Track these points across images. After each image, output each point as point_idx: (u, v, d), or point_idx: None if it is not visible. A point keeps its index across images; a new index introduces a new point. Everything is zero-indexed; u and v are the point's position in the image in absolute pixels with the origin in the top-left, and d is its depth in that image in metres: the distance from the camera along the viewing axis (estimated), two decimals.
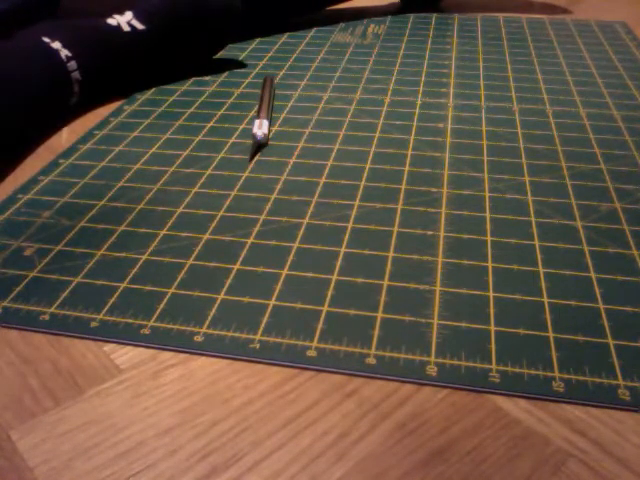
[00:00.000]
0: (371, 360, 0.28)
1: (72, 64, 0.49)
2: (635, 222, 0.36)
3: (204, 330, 0.29)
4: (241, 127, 0.48)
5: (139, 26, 0.52)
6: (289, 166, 0.43)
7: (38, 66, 0.46)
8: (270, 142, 0.46)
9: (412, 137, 0.46)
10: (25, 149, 0.47)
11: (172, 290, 0.32)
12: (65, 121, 0.51)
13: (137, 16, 0.54)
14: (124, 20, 0.53)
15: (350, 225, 0.36)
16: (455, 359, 0.27)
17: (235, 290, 0.32)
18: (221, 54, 0.63)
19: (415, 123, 0.48)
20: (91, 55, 0.50)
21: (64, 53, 0.48)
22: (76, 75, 0.49)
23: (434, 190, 0.40)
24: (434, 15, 0.75)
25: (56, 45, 0.48)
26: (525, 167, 0.42)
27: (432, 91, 0.54)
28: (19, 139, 0.47)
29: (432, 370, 0.27)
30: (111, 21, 0.53)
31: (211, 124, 0.49)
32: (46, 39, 0.49)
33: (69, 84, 0.49)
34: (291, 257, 0.34)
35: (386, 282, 0.32)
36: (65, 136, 0.48)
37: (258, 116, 0.47)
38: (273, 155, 0.44)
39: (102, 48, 0.51)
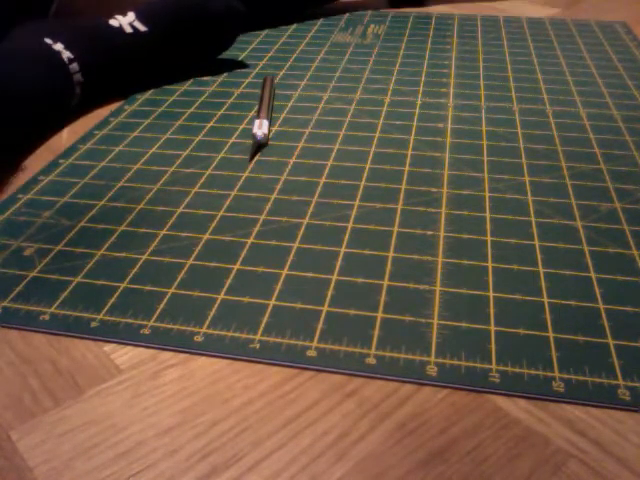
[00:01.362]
0: (371, 360, 0.28)
1: (74, 66, 0.49)
2: (635, 222, 0.36)
3: (204, 330, 0.29)
4: (241, 127, 0.48)
5: (141, 28, 0.52)
6: (289, 166, 0.43)
7: (40, 68, 0.47)
8: (270, 142, 0.46)
9: (412, 137, 0.46)
10: (25, 149, 0.47)
11: (172, 290, 0.32)
12: (65, 121, 0.51)
13: (139, 17, 0.54)
14: (126, 21, 0.53)
15: (350, 225, 0.36)
16: (455, 359, 0.27)
17: (235, 290, 0.32)
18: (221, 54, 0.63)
19: (415, 123, 0.48)
20: (93, 57, 0.50)
21: (66, 55, 0.48)
22: (78, 77, 0.49)
23: (434, 190, 0.40)
24: (434, 15, 0.75)
25: (58, 47, 0.48)
26: (525, 167, 0.42)
27: (432, 91, 0.54)
28: (20, 140, 0.47)
29: (432, 370, 0.27)
30: (113, 22, 0.53)
31: (211, 124, 0.49)
32: (48, 41, 0.49)
33: (71, 86, 0.49)
34: (291, 257, 0.34)
35: (386, 282, 0.32)
36: (65, 136, 0.49)
37: (258, 116, 0.47)
38: (273, 155, 0.44)
39: (104, 50, 0.51)
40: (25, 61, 0.46)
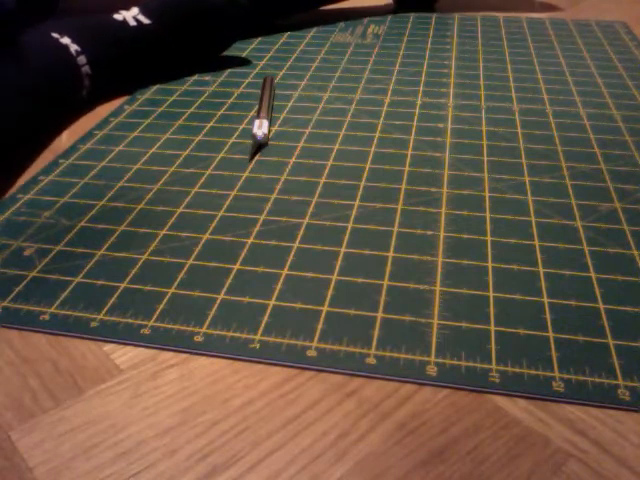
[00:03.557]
0: (371, 360, 0.28)
1: (82, 58, 0.49)
2: (635, 222, 0.36)
3: (204, 330, 0.29)
4: (241, 127, 0.48)
5: (145, 20, 0.53)
6: (289, 166, 0.43)
7: (50, 61, 0.47)
8: (270, 142, 0.46)
9: (412, 137, 0.46)
10: (25, 149, 0.47)
11: (172, 290, 0.32)
12: (71, 117, 0.51)
13: (143, 11, 0.55)
14: (130, 15, 0.54)
15: (350, 225, 0.36)
16: (455, 359, 0.27)
17: (235, 290, 0.32)
18: (222, 53, 0.63)
19: (415, 123, 0.48)
20: (99, 49, 0.51)
21: (73, 48, 0.49)
22: (86, 69, 0.50)
23: (434, 190, 0.40)
24: (434, 15, 0.75)
25: (65, 40, 0.49)
26: (525, 167, 0.42)
27: (432, 91, 0.54)
28: (34, 133, 0.48)
29: (432, 370, 0.27)
30: (117, 16, 0.54)
31: (211, 124, 0.49)
32: (55, 35, 0.49)
33: (79, 78, 0.49)
34: (291, 257, 0.34)
35: (386, 282, 0.32)
36: (65, 136, 0.49)
37: (258, 116, 0.47)
38: (273, 155, 0.44)
39: (110, 42, 0.52)
40: (34, 55, 0.46)
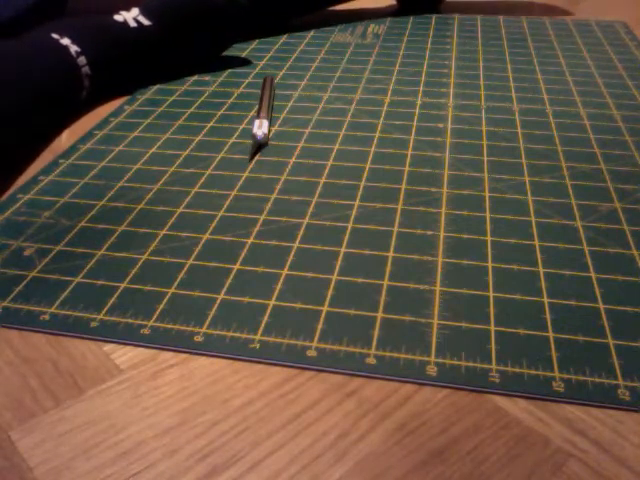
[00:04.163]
0: (371, 360, 0.28)
1: (82, 59, 0.49)
2: (635, 222, 0.36)
3: (204, 330, 0.29)
4: (241, 127, 0.48)
5: (145, 22, 0.53)
6: (289, 166, 0.43)
7: (50, 62, 0.47)
8: (270, 142, 0.46)
9: (412, 137, 0.46)
10: (25, 149, 0.47)
11: (172, 290, 0.32)
12: (66, 121, 0.51)
13: (143, 12, 0.55)
14: (130, 16, 0.54)
15: (350, 225, 0.36)
16: (455, 359, 0.27)
17: (235, 290, 0.32)
18: (222, 53, 0.63)
19: (415, 123, 0.48)
20: (100, 50, 0.51)
21: (74, 49, 0.49)
22: (86, 70, 0.50)
23: (434, 190, 0.40)
24: (434, 15, 0.75)
25: (65, 41, 0.49)
26: (525, 167, 0.42)
27: (432, 91, 0.54)
28: (36, 135, 0.48)
29: (432, 370, 0.27)
30: (118, 17, 0.54)
31: (211, 124, 0.49)
32: (55, 36, 0.49)
33: (80, 79, 0.49)
34: (291, 257, 0.34)
35: (386, 282, 0.32)
36: (65, 136, 0.49)
37: (258, 116, 0.47)
38: (273, 155, 0.44)
39: (110, 43, 0.52)
40: (35, 56, 0.46)
